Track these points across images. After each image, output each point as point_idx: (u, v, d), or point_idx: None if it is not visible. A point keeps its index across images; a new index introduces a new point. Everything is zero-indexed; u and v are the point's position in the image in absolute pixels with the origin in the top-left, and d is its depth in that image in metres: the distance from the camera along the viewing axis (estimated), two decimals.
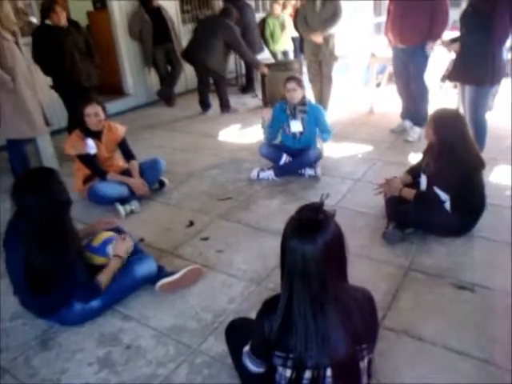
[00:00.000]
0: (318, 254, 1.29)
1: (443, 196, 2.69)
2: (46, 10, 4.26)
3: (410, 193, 2.82)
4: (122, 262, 2.36)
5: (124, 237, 2.46)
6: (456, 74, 3.80)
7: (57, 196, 2.10)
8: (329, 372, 1.37)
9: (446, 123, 2.67)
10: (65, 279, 2.13)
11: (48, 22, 4.27)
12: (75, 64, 4.39)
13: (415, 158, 3.99)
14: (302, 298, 1.33)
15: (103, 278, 2.28)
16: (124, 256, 2.38)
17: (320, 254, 1.29)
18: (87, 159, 3.41)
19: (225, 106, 6.15)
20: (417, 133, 4.58)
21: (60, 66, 4.25)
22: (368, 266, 2.64)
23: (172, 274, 2.48)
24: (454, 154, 2.61)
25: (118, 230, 2.62)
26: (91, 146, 3.36)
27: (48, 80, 4.52)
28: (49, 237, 2.08)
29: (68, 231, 2.19)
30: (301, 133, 3.92)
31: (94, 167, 3.46)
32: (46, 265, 2.06)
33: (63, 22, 4.31)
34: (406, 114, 4.84)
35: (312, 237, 1.29)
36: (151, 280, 2.46)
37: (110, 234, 2.53)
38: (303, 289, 1.32)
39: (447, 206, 2.74)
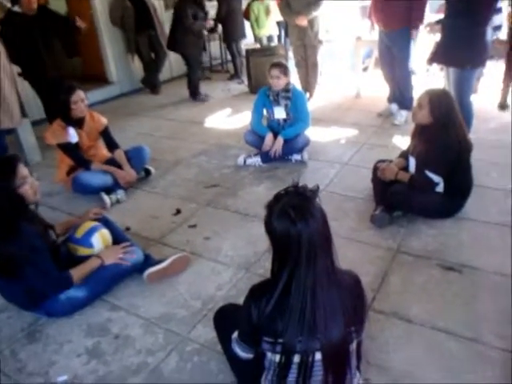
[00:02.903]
0: (320, 228, 1.31)
1: (436, 178, 2.68)
2: None
3: (405, 176, 2.82)
4: (101, 264, 2.31)
5: (124, 249, 2.41)
6: (439, 56, 3.79)
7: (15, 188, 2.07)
8: (318, 356, 1.37)
9: (443, 103, 2.64)
10: (30, 271, 2.08)
11: (16, 8, 4.12)
12: (44, 53, 4.26)
13: (402, 141, 4.00)
14: (304, 279, 1.31)
15: (77, 274, 2.22)
16: (106, 263, 2.31)
17: (322, 227, 1.32)
18: (68, 148, 3.33)
19: (192, 93, 6.08)
20: (403, 116, 4.58)
21: (28, 54, 4.11)
22: (357, 249, 2.64)
23: (159, 262, 2.45)
24: (448, 135, 2.60)
25: (106, 221, 2.58)
26: (72, 135, 3.28)
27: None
28: (8, 227, 2.04)
29: (30, 221, 2.14)
30: (284, 120, 3.89)
31: (76, 156, 3.37)
32: (9, 254, 2.02)
33: (33, 6, 4.12)
34: (392, 98, 4.84)
35: (312, 214, 1.30)
36: (138, 269, 2.43)
37: (94, 223, 2.48)
38: (308, 268, 1.31)
39: (439, 188, 2.74)
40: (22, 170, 2.12)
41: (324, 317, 1.33)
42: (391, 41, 4.38)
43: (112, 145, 3.61)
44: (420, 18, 4.22)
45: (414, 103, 2.82)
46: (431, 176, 2.67)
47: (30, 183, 2.15)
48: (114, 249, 2.41)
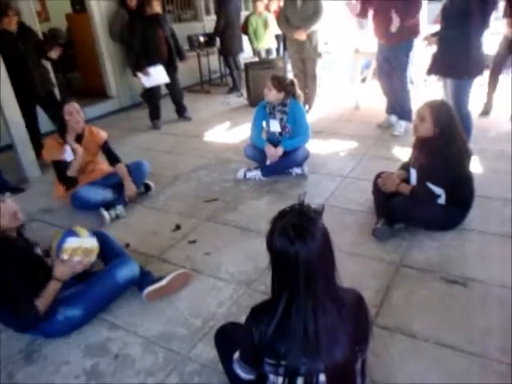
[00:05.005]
0: (320, 249, 1.28)
1: (437, 190, 2.66)
2: None
3: (406, 188, 2.79)
4: (59, 282, 2.14)
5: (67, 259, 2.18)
6: (436, 67, 3.80)
7: None
8: (322, 377, 1.33)
9: (444, 115, 2.62)
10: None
11: None
12: (28, 70, 4.25)
13: (402, 152, 3.99)
14: (304, 301, 1.29)
15: (42, 303, 2.08)
16: (64, 279, 2.15)
17: (322, 249, 1.29)
18: (61, 166, 3.29)
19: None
20: (403, 127, 4.58)
21: (12, 73, 4.03)
22: (359, 263, 2.60)
23: (159, 280, 2.42)
24: (449, 147, 2.58)
25: (104, 237, 2.53)
26: (69, 153, 3.26)
27: None
28: None
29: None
30: (280, 133, 3.86)
31: (63, 175, 3.31)
32: None
33: (14, 27, 4.11)
34: (390, 109, 4.84)
35: (312, 235, 1.27)
36: (134, 283, 2.40)
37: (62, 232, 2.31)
38: (307, 290, 1.28)
39: (441, 200, 2.72)
40: None
41: (327, 338, 1.30)
42: (391, 53, 4.38)
43: (113, 159, 3.58)
44: (416, 32, 4.25)
45: (414, 116, 2.80)
46: (433, 188, 2.65)
47: (1, 210, 2.05)
48: (65, 262, 2.19)
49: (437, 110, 2.62)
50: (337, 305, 1.33)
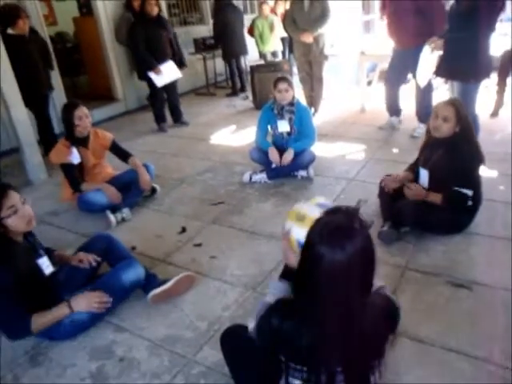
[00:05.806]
0: (369, 256, 1.23)
1: (468, 192, 2.63)
2: (12, 18, 4.13)
3: (437, 197, 2.72)
4: (70, 313, 2.13)
5: (100, 298, 2.20)
6: (443, 70, 3.78)
7: None
8: (341, 376, 1.32)
9: (464, 113, 2.63)
10: None
11: (10, 31, 4.14)
12: (39, 71, 4.42)
13: (408, 154, 3.96)
14: (337, 308, 1.23)
15: (39, 322, 2.06)
16: (76, 310, 2.14)
17: (370, 255, 1.23)
18: (69, 169, 3.31)
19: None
20: (423, 129, 4.54)
21: (24, 74, 4.13)
22: None
23: (164, 282, 2.42)
24: (469, 146, 2.59)
25: (110, 240, 2.55)
26: (75, 156, 3.28)
27: None
28: None
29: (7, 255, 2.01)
30: (288, 133, 3.86)
31: (72, 178, 3.33)
32: None
33: (27, 29, 4.27)
34: (393, 112, 4.84)
35: (351, 241, 1.18)
36: (139, 285, 2.39)
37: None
38: (340, 295, 1.22)
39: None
40: (10, 200, 1.99)
41: (361, 341, 1.28)
42: (409, 58, 4.28)
43: (124, 155, 3.58)
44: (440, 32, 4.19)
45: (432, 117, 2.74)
46: (464, 191, 2.63)
47: (20, 212, 2.01)
48: (88, 296, 2.19)
49: (459, 108, 2.62)
50: (367, 308, 1.30)
